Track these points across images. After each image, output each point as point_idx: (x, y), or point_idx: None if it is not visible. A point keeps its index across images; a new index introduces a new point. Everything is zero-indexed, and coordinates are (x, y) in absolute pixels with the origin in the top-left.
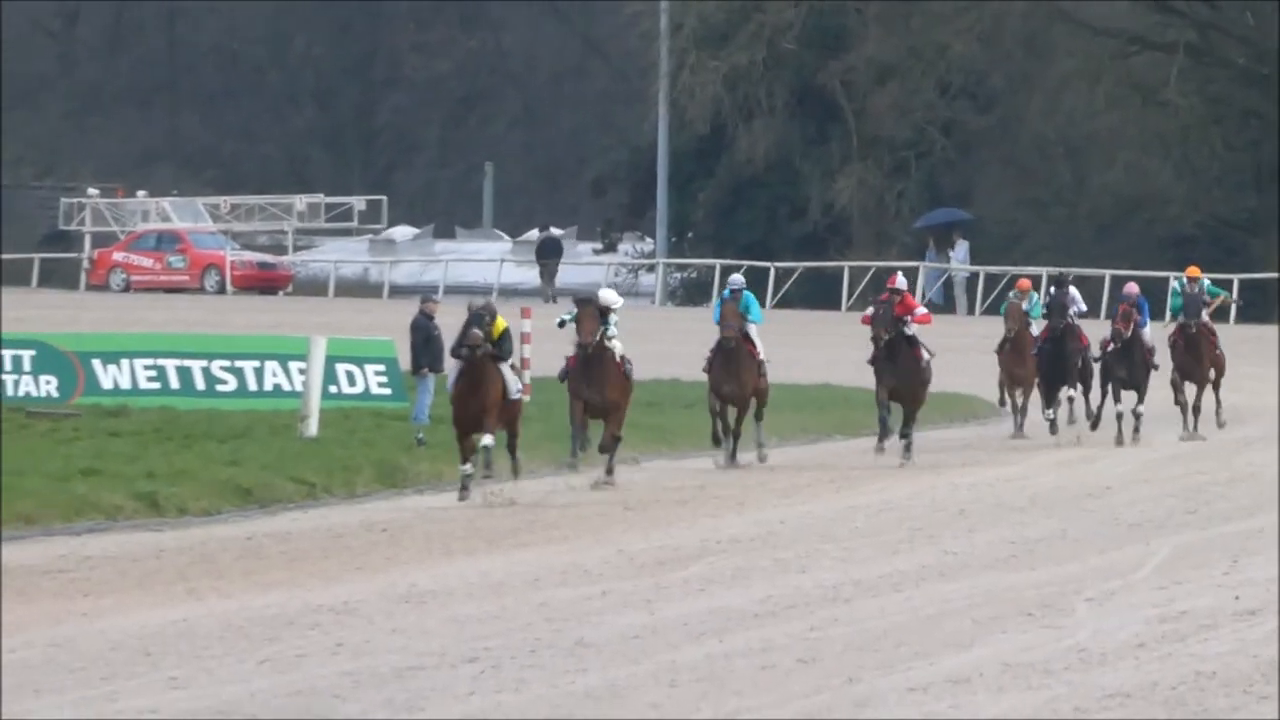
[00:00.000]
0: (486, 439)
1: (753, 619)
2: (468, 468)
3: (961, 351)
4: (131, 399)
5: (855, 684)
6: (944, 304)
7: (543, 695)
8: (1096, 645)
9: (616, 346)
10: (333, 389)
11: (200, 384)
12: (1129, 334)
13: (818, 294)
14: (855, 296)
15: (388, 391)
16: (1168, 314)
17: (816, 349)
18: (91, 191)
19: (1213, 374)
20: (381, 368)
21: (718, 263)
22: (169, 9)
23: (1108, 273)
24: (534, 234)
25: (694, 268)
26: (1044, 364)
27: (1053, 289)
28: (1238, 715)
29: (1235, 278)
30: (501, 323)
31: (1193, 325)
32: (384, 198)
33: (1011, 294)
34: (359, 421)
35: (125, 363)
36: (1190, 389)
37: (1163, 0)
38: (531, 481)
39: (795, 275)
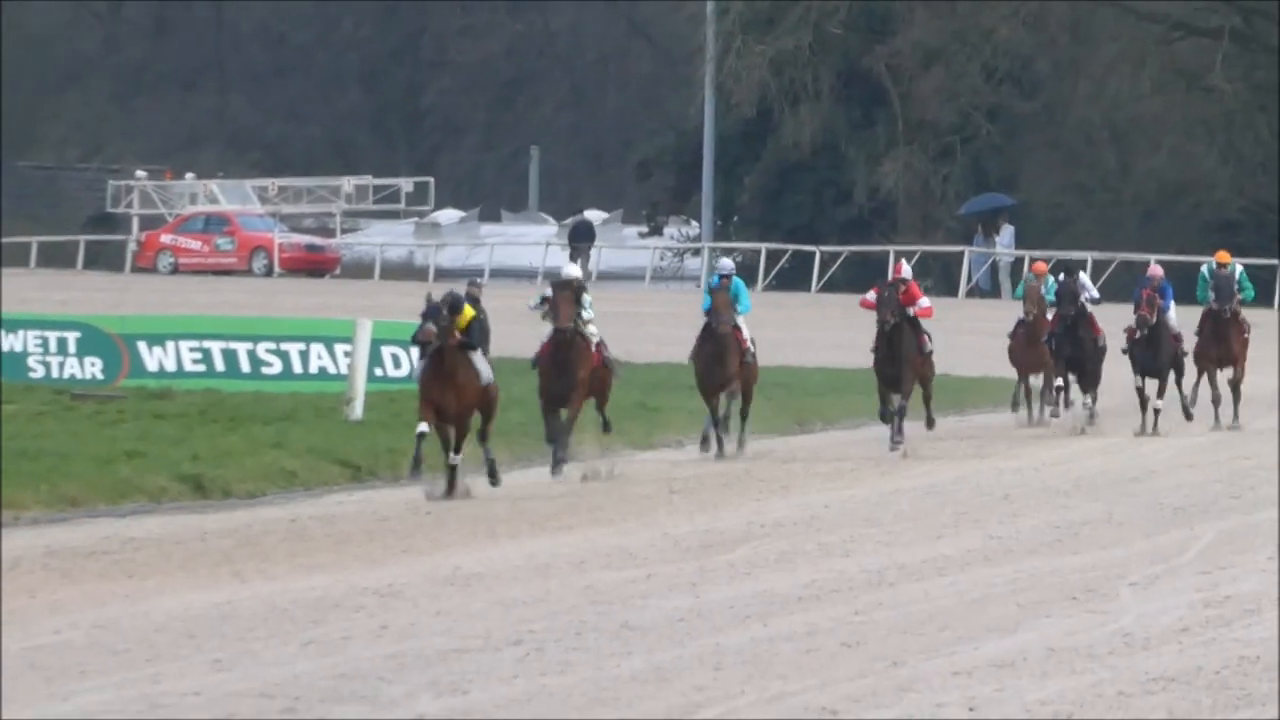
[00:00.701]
0: (455, 458)
1: (797, 602)
2: (456, 458)
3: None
4: (176, 381)
5: (899, 667)
6: (990, 289)
7: (588, 678)
8: (1140, 629)
9: (592, 331)
10: (378, 372)
11: (245, 367)
12: (1154, 320)
13: (864, 278)
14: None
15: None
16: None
17: (860, 331)
18: (139, 174)
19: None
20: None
21: (763, 246)
22: None
23: (1153, 257)
24: (589, 214)
25: (739, 252)
26: (1057, 350)
27: (1062, 275)
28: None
29: (1278, 262)
30: (469, 312)
31: (1226, 310)
32: (431, 180)
33: (1028, 275)
34: (404, 404)
35: (170, 345)
36: (1222, 377)
37: None
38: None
39: (841, 259)
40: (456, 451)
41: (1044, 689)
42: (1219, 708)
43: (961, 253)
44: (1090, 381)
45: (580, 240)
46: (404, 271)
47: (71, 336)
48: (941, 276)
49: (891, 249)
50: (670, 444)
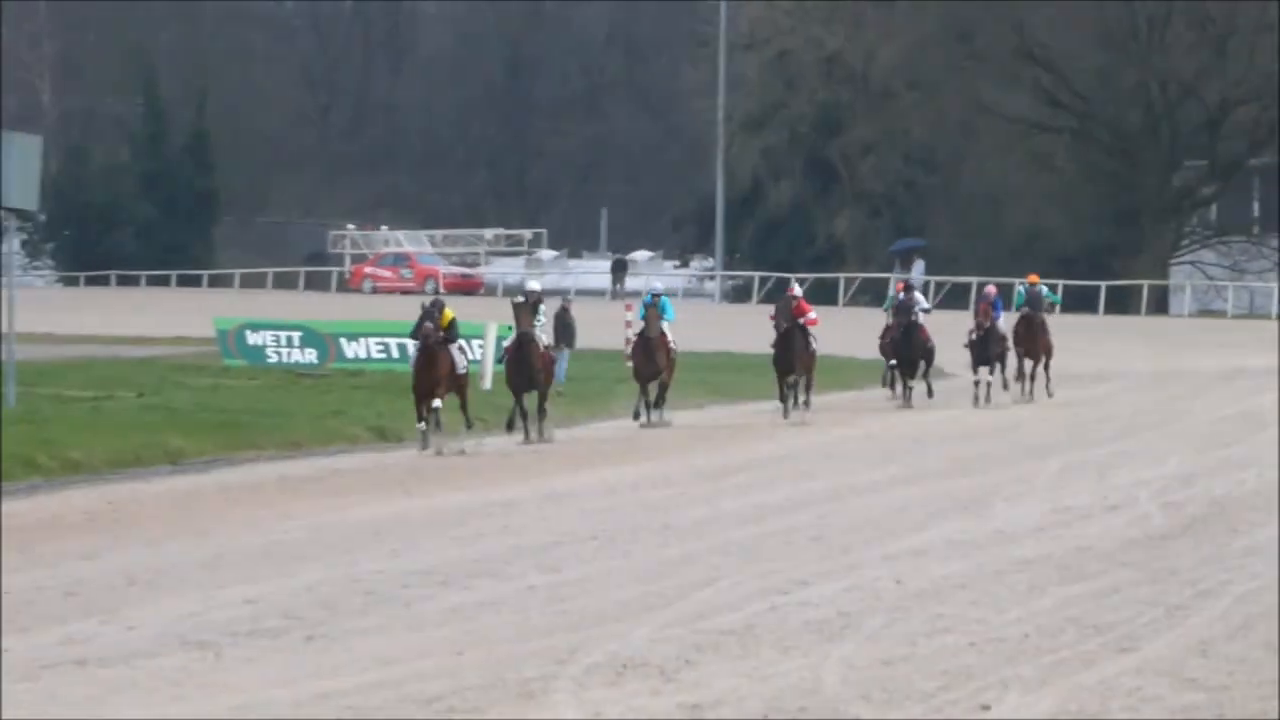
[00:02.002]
0: (436, 402)
1: (779, 511)
2: (423, 425)
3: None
4: (367, 365)
5: (849, 554)
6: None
7: (641, 561)
8: (1009, 529)
9: (541, 338)
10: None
11: (412, 354)
12: (988, 324)
13: (822, 295)
14: (849, 296)
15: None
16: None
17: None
18: (349, 226)
19: (1041, 358)
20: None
21: (756, 274)
22: (387, 104)
23: (1017, 281)
24: (637, 255)
25: (740, 278)
26: (895, 349)
27: (900, 295)
28: (1105, 577)
29: (1102, 284)
30: (449, 313)
31: (1036, 316)
32: (544, 230)
33: (894, 295)
34: None
35: (362, 340)
36: (1028, 364)
37: (1053, 99)
38: (625, 421)
39: (808, 283)
40: (440, 400)
41: (946, 568)
42: (1063, 582)
43: (888, 279)
44: (913, 371)
45: (617, 270)
46: (516, 292)
47: (295, 334)
48: (875, 295)
49: (842, 276)
50: (693, 406)
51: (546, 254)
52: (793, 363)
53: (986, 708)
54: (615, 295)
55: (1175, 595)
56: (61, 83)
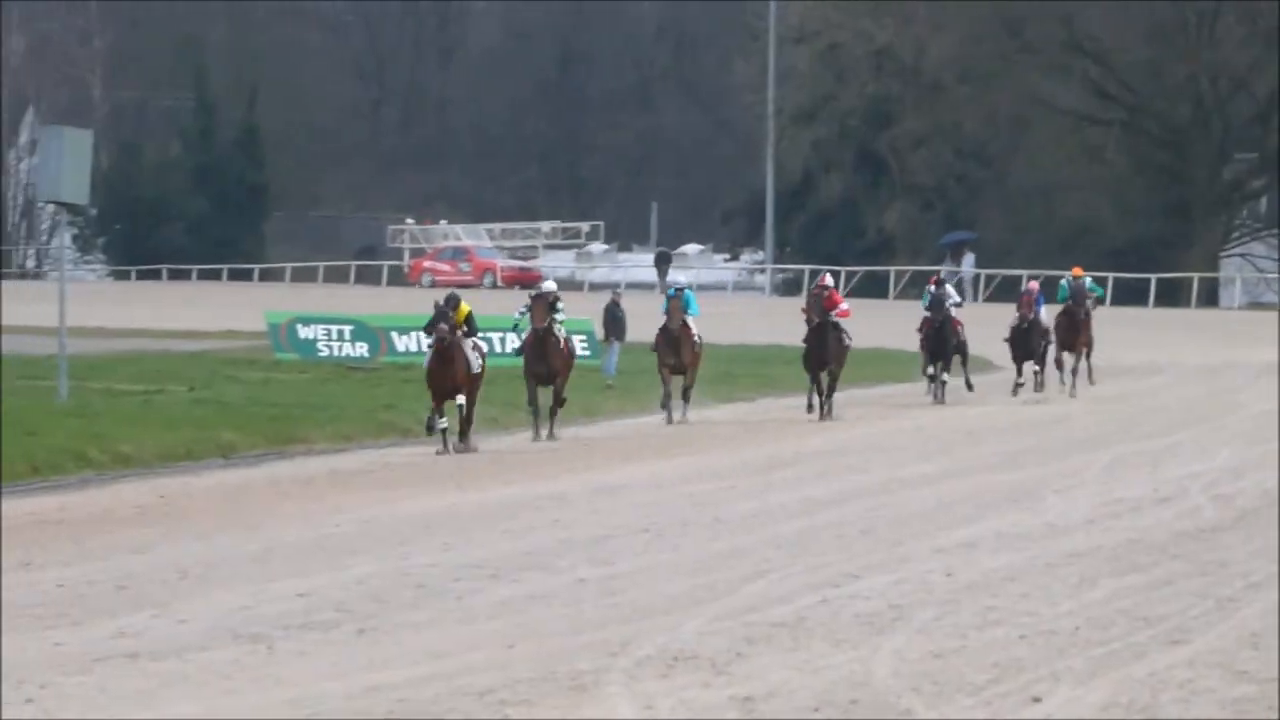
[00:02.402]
0: (460, 398)
1: (829, 504)
2: (443, 422)
3: (970, 326)
4: (417, 359)
5: (899, 547)
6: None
7: (691, 554)
8: (1060, 521)
9: (561, 331)
10: None
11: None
12: (1031, 317)
13: (873, 288)
14: (898, 289)
15: (587, 353)
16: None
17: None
18: (409, 220)
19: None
20: (584, 337)
21: (806, 268)
22: (438, 99)
23: (1067, 274)
24: (687, 248)
25: (791, 271)
26: (928, 342)
27: (932, 288)
28: (1156, 569)
29: (1152, 276)
30: (465, 308)
31: (1078, 310)
32: (602, 223)
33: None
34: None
35: (412, 334)
36: (1068, 358)
37: (1104, 92)
38: (659, 416)
39: (858, 275)
40: (444, 416)
41: (996, 561)
42: (1114, 574)
43: (937, 271)
44: (948, 365)
45: (660, 263)
46: (567, 284)
47: (346, 328)
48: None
49: (892, 269)
50: (744, 399)
51: (597, 247)
52: (825, 358)
53: (1037, 700)
54: (662, 289)
55: (1226, 587)
56: (112, 77)
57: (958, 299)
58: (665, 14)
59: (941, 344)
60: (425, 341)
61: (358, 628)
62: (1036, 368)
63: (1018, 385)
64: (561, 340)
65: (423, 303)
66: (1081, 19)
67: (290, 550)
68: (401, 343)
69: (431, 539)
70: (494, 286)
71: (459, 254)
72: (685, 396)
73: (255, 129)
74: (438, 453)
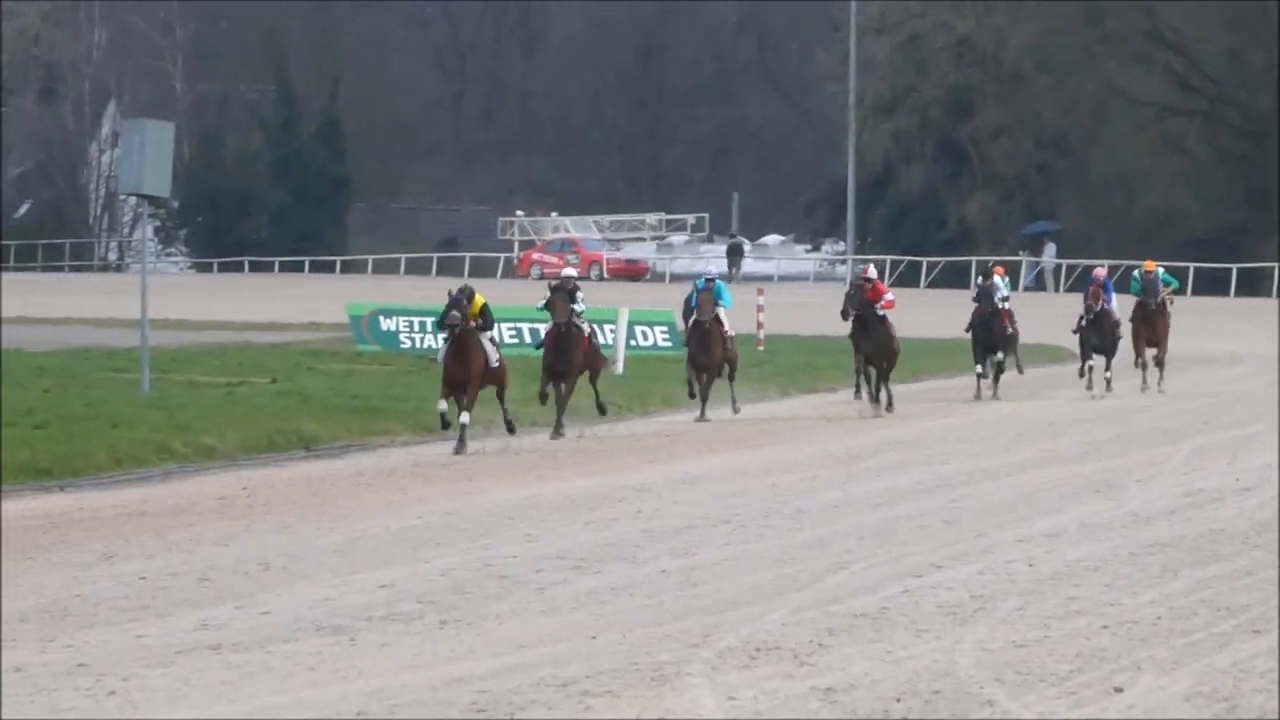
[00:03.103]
0: (465, 417)
1: (912, 494)
2: (443, 405)
3: (1049, 317)
4: (504, 350)
5: (982, 537)
6: (1037, 287)
7: (774, 545)
8: (1142, 511)
9: (584, 324)
10: (633, 342)
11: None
12: (1098, 308)
13: (954, 278)
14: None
15: (669, 344)
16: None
17: (947, 316)
18: (518, 212)
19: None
20: (665, 328)
21: (888, 258)
22: (520, 91)
23: (1154, 262)
24: (769, 239)
25: (872, 261)
26: (977, 335)
27: (980, 279)
28: (1239, 559)
29: (1234, 266)
30: (480, 299)
31: (1151, 303)
32: (707, 215)
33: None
34: (649, 365)
35: (495, 326)
36: (1148, 353)
37: (1185, 82)
38: (760, 405)
39: (939, 266)
40: (469, 410)
41: (1079, 551)
42: (1196, 564)
43: (1020, 261)
44: (1004, 354)
45: (733, 254)
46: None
47: (428, 320)
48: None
49: (973, 259)
50: (826, 389)
51: (678, 238)
52: (877, 352)
53: (1120, 690)
54: (731, 279)
55: None
56: (194, 70)
57: (1006, 293)
58: (746, 5)
59: (990, 338)
60: (440, 336)
61: (440, 619)
62: (1108, 374)
63: (1083, 371)
64: (585, 334)
65: (505, 294)
66: (1162, 10)
67: (373, 542)
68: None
69: (514, 530)
70: (600, 279)
71: (567, 246)
72: (730, 390)
73: (337, 121)
74: (456, 451)
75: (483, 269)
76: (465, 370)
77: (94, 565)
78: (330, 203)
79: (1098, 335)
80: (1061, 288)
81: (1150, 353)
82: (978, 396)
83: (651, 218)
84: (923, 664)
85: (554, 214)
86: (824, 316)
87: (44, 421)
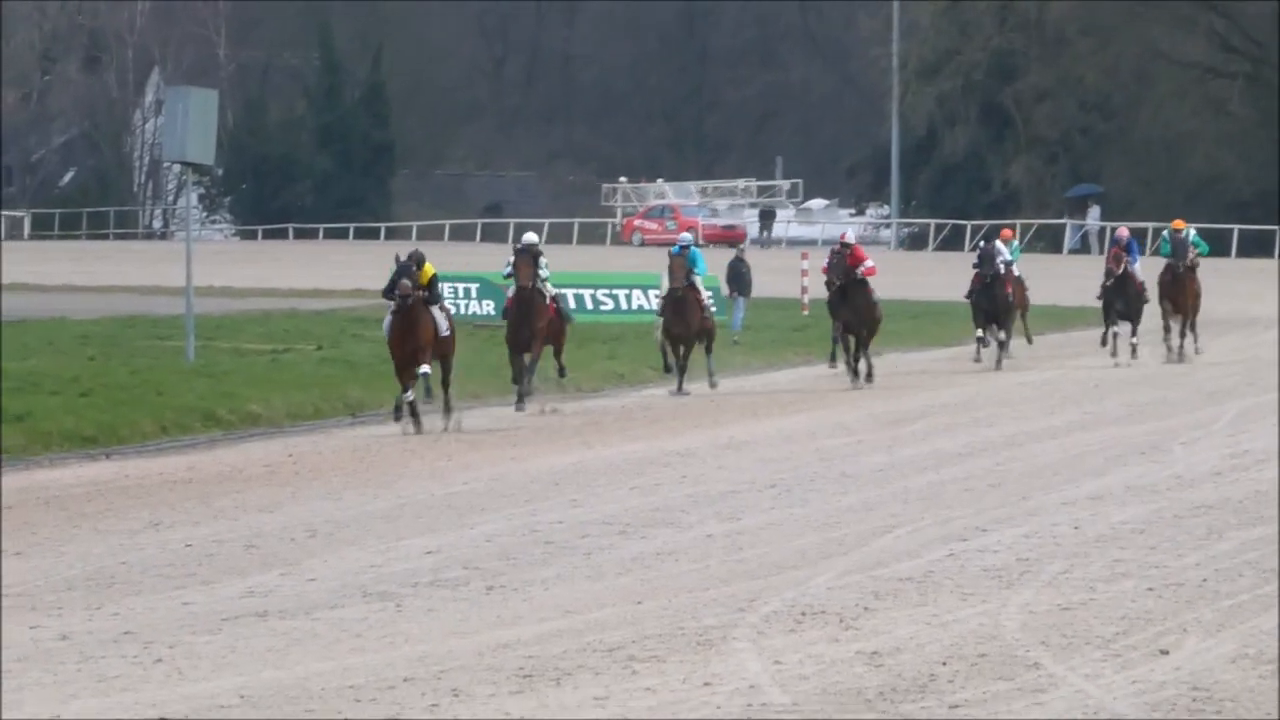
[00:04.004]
0: (424, 368)
1: (957, 458)
2: (409, 395)
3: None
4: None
5: (1027, 500)
6: (1081, 249)
7: (819, 509)
8: (1188, 473)
9: (548, 289)
10: None
11: (589, 304)
12: (1120, 271)
13: None
14: (1025, 242)
15: (713, 309)
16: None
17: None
18: (622, 179)
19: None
20: (709, 294)
21: (932, 221)
22: (564, 55)
23: (1192, 226)
24: (812, 203)
25: (916, 225)
26: (979, 302)
27: (982, 242)
28: None
29: (1278, 228)
30: (429, 269)
31: (1180, 265)
32: (800, 180)
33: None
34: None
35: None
36: (1175, 320)
37: (1228, 44)
38: (805, 370)
39: (984, 229)
40: (427, 373)
41: (1124, 513)
42: (1241, 526)
43: (1064, 224)
44: (1003, 326)
45: (765, 218)
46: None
47: (473, 286)
48: (1050, 241)
49: (1018, 222)
50: (872, 353)
51: (721, 203)
52: (856, 320)
53: (1165, 652)
54: (764, 244)
55: None
56: (238, 37)
57: (1009, 257)
58: None
59: (992, 304)
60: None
61: (486, 585)
62: (1134, 340)
63: (1105, 339)
64: (549, 300)
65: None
66: None
67: (418, 508)
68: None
69: (560, 496)
70: (698, 245)
71: (666, 212)
72: (708, 362)
73: (380, 87)
74: (404, 432)
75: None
76: (415, 342)
77: (140, 533)
78: (374, 169)
79: (1121, 300)
80: (1106, 250)
81: (1178, 319)
82: (978, 360)
83: (741, 183)
84: (968, 627)
85: (659, 180)
86: (873, 281)
87: (89, 389)
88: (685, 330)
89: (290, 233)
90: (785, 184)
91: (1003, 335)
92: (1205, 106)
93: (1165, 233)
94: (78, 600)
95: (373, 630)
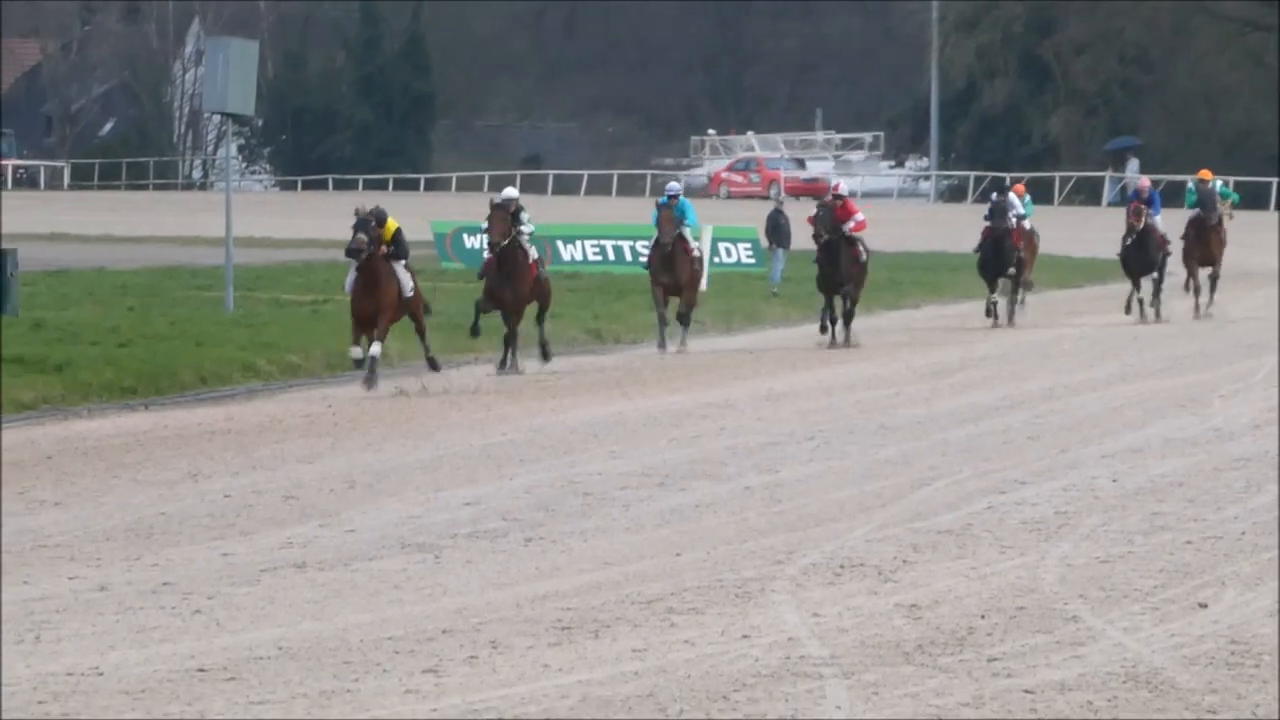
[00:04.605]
0: (375, 348)
1: (996, 410)
2: (357, 351)
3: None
4: (582, 268)
5: (1066, 453)
6: (1121, 202)
7: (858, 461)
8: (1226, 426)
9: (531, 250)
10: (717, 260)
11: (628, 257)
12: (1140, 226)
13: (1039, 194)
14: (1064, 195)
15: (752, 261)
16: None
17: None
18: (710, 131)
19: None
20: (748, 245)
21: (971, 174)
22: (602, 7)
23: (1232, 178)
24: (851, 155)
25: (955, 177)
26: (986, 256)
27: (994, 195)
28: None
29: None
30: (392, 224)
31: (1211, 219)
32: (881, 134)
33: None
34: (734, 282)
35: (578, 243)
36: (1202, 273)
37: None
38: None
39: (1023, 182)
40: (381, 341)
41: (1163, 466)
42: None
43: (1103, 177)
44: (1014, 282)
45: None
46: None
47: None
48: (1090, 193)
49: (1057, 175)
50: (910, 306)
51: (856, 155)
52: (841, 279)
53: (1204, 605)
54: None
55: None
56: None
57: (1021, 210)
58: None
59: (1001, 258)
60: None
61: (525, 536)
62: (1159, 299)
63: (1129, 305)
64: (531, 259)
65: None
66: None
67: (457, 459)
68: (567, 251)
69: (599, 447)
70: (778, 198)
71: (750, 165)
72: (683, 320)
73: (420, 38)
74: (366, 385)
75: (565, 186)
76: (376, 302)
77: (179, 483)
78: (414, 120)
79: (1143, 257)
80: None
81: (1204, 272)
82: (993, 316)
83: (820, 135)
84: (1007, 580)
85: (750, 133)
86: (908, 234)
87: (129, 340)
88: (675, 281)
89: (330, 184)
90: (868, 137)
91: (1014, 289)
92: (1244, 59)
93: (1191, 184)
94: (116, 551)
95: (411, 582)
